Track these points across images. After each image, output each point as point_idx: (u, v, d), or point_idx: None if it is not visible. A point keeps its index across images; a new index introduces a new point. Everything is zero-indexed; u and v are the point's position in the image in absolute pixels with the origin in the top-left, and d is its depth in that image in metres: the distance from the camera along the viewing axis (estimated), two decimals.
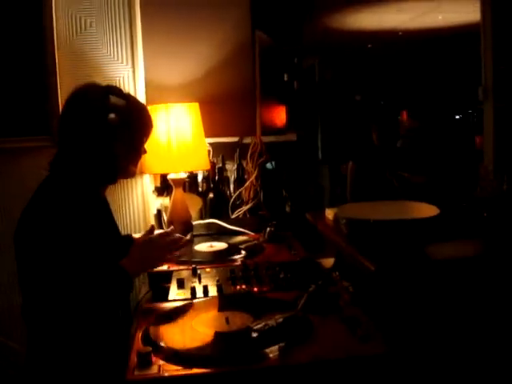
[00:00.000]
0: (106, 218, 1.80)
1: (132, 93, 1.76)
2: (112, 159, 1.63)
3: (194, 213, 2.55)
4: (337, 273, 1.82)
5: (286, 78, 5.47)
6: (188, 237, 2.24)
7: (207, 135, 2.46)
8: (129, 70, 2.47)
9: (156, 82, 2.56)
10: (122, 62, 2.46)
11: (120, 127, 1.61)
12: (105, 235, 1.71)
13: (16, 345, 2.32)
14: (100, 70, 2.43)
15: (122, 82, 2.44)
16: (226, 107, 2.64)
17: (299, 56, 5.82)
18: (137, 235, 2.17)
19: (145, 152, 1.80)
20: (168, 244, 1.72)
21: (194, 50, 2.63)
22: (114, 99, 1.61)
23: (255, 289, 1.68)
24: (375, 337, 1.32)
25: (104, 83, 1.71)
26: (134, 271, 1.60)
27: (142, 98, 2.47)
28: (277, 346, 1.26)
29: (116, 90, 1.66)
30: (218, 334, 1.36)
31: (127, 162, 1.71)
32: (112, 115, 1.58)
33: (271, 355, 1.25)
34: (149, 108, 2.33)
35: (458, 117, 8.54)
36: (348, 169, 4.43)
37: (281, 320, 1.36)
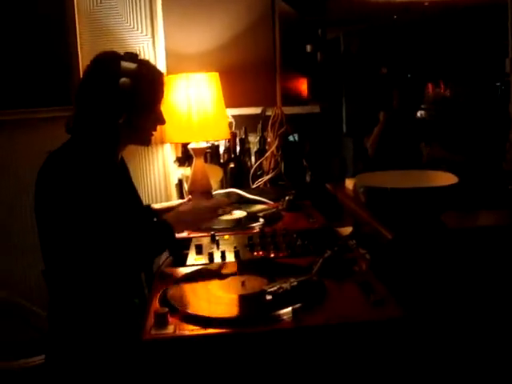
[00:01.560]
0: (126, 183, 1.83)
1: (152, 62, 1.74)
2: (125, 123, 1.64)
3: (214, 183, 2.57)
4: (354, 240, 1.83)
5: (309, 50, 5.43)
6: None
7: (227, 105, 2.47)
8: (149, 40, 2.48)
9: (176, 51, 2.57)
10: (141, 32, 2.47)
11: (131, 91, 1.61)
12: (125, 199, 1.73)
13: (41, 310, 2.38)
14: (120, 41, 2.44)
15: (142, 51, 2.46)
16: (246, 77, 2.65)
17: (323, 27, 5.76)
18: (156, 205, 2.20)
19: (163, 122, 1.80)
20: (212, 208, 1.79)
21: (213, 19, 2.63)
22: (125, 64, 1.62)
23: (272, 255, 1.71)
24: (389, 302, 1.33)
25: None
26: (177, 226, 1.66)
27: (162, 67, 2.48)
28: (290, 309, 1.28)
29: (130, 56, 1.66)
30: (233, 297, 1.39)
31: (141, 127, 1.72)
32: (123, 79, 1.59)
33: (285, 317, 1.27)
34: (169, 77, 2.36)
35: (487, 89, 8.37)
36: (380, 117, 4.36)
37: (295, 283, 1.38)
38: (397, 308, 1.31)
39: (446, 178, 1.90)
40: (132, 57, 1.68)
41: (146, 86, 1.66)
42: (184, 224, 1.72)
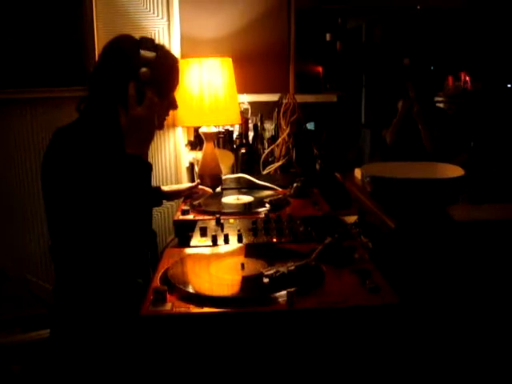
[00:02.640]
0: None
1: (167, 46, 1.75)
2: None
3: (226, 168, 2.60)
4: (357, 228, 1.85)
5: (328, 38, 5.41)
6: (218, 190, 2.31)
7: (240, 91, 2.48)
8: (164, 24, 2.50)
9: (191, 35, 2.59)
10: (157, 16, 2.49)
11: (150, 81, 1.62)
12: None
13: (50, 286, 2.43)
14: (136, 24, 2.46)
15: (157, 35, 2.48)
16: (260, 64, 2.66)
17: (343, 16, 5.72)
18: (165, 188, 2.23)
19: (175, 107, 1.81)
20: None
21: (229, 4, 2.64)
22: (145, 52, 1.62)
23: (274, 240, 1.73)
24: (384, 289, 1.35)
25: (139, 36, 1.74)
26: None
27: (176, 51, 2.50)
28: (286, 291, 1.30)
29: (148, 43, 1.67)
30: (231, 278, 1.42)
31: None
32: (144, 69, 1.60)
33: (280, 300, 1.30)
34: (182, 61, 2.38)
35: (509, 85, 8.26)
36: (399, 105, 4.34)
37: (292, 267, 1.40)
38: (392, 295, 1.32)
39: (453, 171, 1.90)
40: (151, 44, 1.68)
41: (163, 74, 1.66)
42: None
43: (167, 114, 1.80)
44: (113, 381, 1.60)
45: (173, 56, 1.75)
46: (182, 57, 2.45)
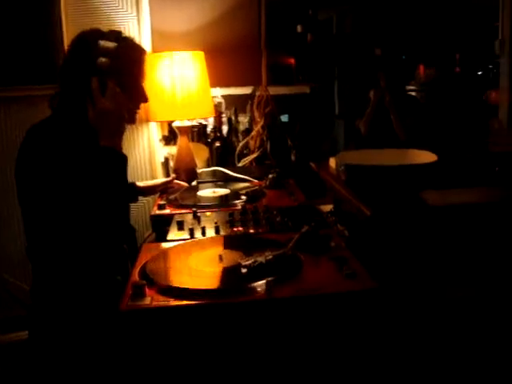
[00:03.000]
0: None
1: (136, 41, 1.74)
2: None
3: (201, 162, 2.60)
4: (333, 217, 1.86)
5: (299, 30, 5.41)
6: (193, 183, 2.31)
7: (213, 84, 2.48)
8: (134, 18, 2.48)
9: (161, 29, 2.58)
10: (127, 11, 2.48)
11: (109, 70, 1.61)
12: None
13: (28, 286, 2.41)
14: (106, 19, 2.44)
15: (127, 30, 2.46)
16: (232, 56, 2.66)
17: (314, 7, 5.73)
18: (141, 183, 2.23)
19: (146, 100, 1.80)
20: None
21: None
22: (104, 43, 1.62)
23: (251, 231, 1.73)
24: (361, 275, 1.36)
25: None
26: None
27: (147, 46, 2.49)
28: (264, 281, 1.30)
29: (113, 35, 1.66)
30: (209, 270, 1.42)
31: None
32: (101, 59, 1.60)
33: (259, 289, 1.30)
34: (153, 56, 2.37)
35: (480, 72, 8.38)
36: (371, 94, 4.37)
37: (270, 257, 1.41)
38: (369, 280, 1.34)
39: (426, 157, 1.93)
40: (114, 35, 1.67)
41: (125, 64, 1.65)
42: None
43: (138, 107, 1.79)
44: (93, 380, 1.59)
45: (138, 47, 1.73)
46: (153, 51, 2.44)
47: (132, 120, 1.79)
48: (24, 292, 2.39)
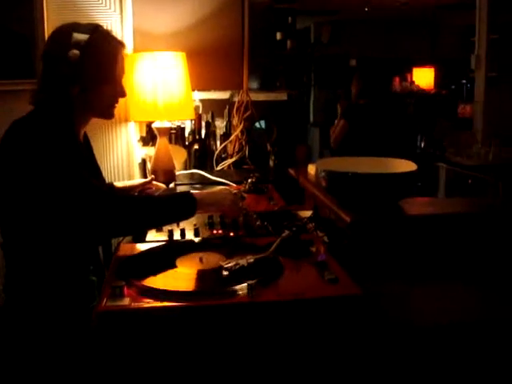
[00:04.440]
0: (88, 158, 1.81)
1: (112, 34, 1.71)
2: (79, 94, 1.63)
3: (179, 164, 2.58)
4: (312, 223, 1.86)
5: (279, 37, 5.46)
6: (171, 185, 2.29)
7: (193, 87, 2.47)
8: (117, 17, 2.44)
9: (144, 29, 2.56)
10: (110, 8, 2.44)
11: (81, 62, 1.59)
12: (88, 172, 1.71)
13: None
14: (87, 16, 2.40)
15: (109, 28, 2.42)
16: (213, 60, 2.65)
17: (293, 16, 5.79)
18: (119, 184, 2.20)
19: (123, 95, 1.77)
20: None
21: None
22: (77, 35, 1.60)
23: (231, 234, 1.72)
24: (343, 280, 1.36)
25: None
26: (202, 201, 1.64)
27: (129, 45, 2.46)
28: (246, 284, 1.29)
29: (88, 28, 1.64)
30: (190, 271, 1.40)
31: (98, 99, 1.70)
32: (72, 51, 1.58)
33: (240, 292, 1.29)
34: (135, 55, 2.34)
35: (453, 86, 8.57)
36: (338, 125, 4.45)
37: (251, 260, 1.40)
38: (351, 285, 1.34)
39: (405, 165, 1.94)
40: (90, 28, 1.65)
41: (98, 57, 1.63)
42: (211, 202, 1.69)
43: (116, 102, 1.77)
44: (68, 380, 1.56)
45: (112, 40, 1.71)
46: (135, 50, 2.41)
47: (110, 115, 1.77)
48: None
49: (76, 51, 1.58)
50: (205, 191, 1.76)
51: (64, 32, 1.63)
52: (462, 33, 7.60)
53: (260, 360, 1.29)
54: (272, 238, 1.58)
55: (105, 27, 1.74)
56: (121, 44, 1.72)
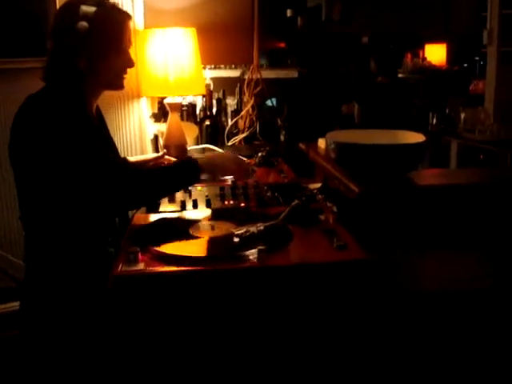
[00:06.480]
0: (102, 131, 1.84)
1: (119, 6, 1.73)
2: (88, 66, 1.65)
3: (190, 140, 2.61)
4: (321, 195, 1.89)
5: (289, 14, 5.44)
6: None
7: (204, 62, 2.48)
8: None
9: (154, 6, 2.57)
10: None
11: (88, 34, 1.61)
12: (101, 144, 1.74)
13: (18, 259, 2.41)
14: None
15: (120, 4, 2.45)
16: (224, 35, 2.66)
17: None
18: (132, 158, 2.23)
19: (132, 65, 1.78)
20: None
21: None
22: (84, 8, 1.62)
23: (242, 204, 1.75)
24: (352, 246, 1.39)
25: None
26: (206, 165, 1.68)
27: (139, 21, 2.48)
28: (256, 250, 1.33)
29: (96, 0, 1.67)
30: (202, 238, 1.44)
31: (106, 70, 1.71)
32: (80, 23, 1.60)
33: (251, 257, 1.33)
34: (145, 31, 2.37)
35: (465, 65, 8.48)
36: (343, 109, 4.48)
37: (262, 228, 1.44)
38: (360, 251, 1.37)
39: (414, 137, 1.95)
40: (97, 1, 1.66)
41: (105, 29, 1.65)
42: (215, 164, 1.74)
43: (125, 72, 1.78)
44: (86, 351, 1.61)
45: (118, 11, 1.72)
46: (146, 27, 2.43)
47: (120, 86, 1.79)
48: (16, 266, 2.38)
49: (84, 23, 1.60)
50: (209, 154, 1.78)
51: (72, 5, 1.65)
52: (475, 8, 7.51)
53: (270, 323, 1.32)
54: (282, 209, 1.61)
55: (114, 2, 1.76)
56: (127, 15, 1.74)
